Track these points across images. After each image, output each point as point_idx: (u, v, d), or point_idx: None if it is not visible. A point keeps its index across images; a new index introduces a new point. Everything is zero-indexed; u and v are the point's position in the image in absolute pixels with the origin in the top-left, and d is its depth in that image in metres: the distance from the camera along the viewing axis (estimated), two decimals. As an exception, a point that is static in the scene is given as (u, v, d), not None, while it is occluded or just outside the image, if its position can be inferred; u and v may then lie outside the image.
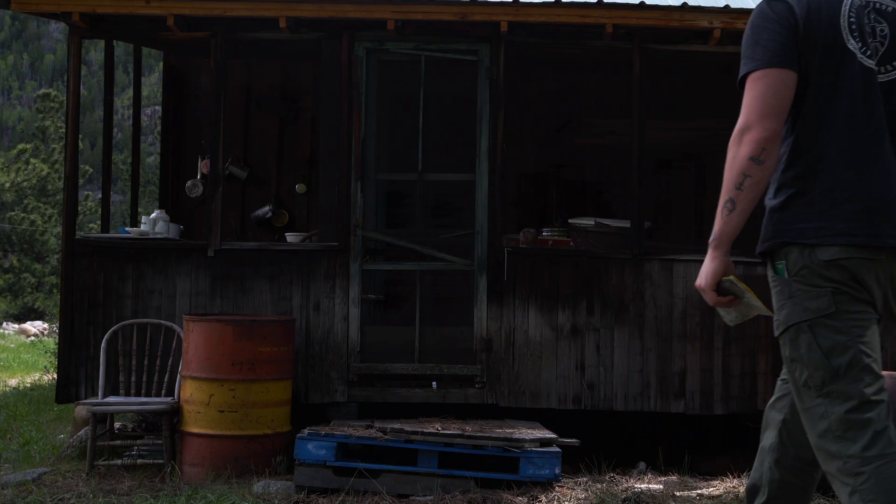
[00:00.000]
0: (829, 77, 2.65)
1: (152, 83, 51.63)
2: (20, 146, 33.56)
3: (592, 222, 7.08)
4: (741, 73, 2.68)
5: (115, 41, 7.36)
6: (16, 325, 26.21)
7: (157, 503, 5.07)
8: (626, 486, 5.63)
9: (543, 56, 7.36)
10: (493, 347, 6.53)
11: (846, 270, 2.59)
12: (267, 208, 8.06)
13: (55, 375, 6.88)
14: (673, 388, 6.59)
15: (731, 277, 2.67)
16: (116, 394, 6.30)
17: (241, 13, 6.52)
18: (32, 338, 22.69)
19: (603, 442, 6.55)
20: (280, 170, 8.28)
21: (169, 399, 6.08)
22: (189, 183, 7.91)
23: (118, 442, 6.18)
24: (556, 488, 5.47)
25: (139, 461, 5.96)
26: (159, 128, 8.65)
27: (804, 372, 2.62)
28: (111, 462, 5.94)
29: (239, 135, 8.18)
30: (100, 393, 6.12)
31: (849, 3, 2.67)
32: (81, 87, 6.70)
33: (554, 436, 5.73)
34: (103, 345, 6.22)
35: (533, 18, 6.50)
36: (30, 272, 30.81)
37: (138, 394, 6.27)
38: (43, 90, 39.11)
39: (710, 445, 7.01)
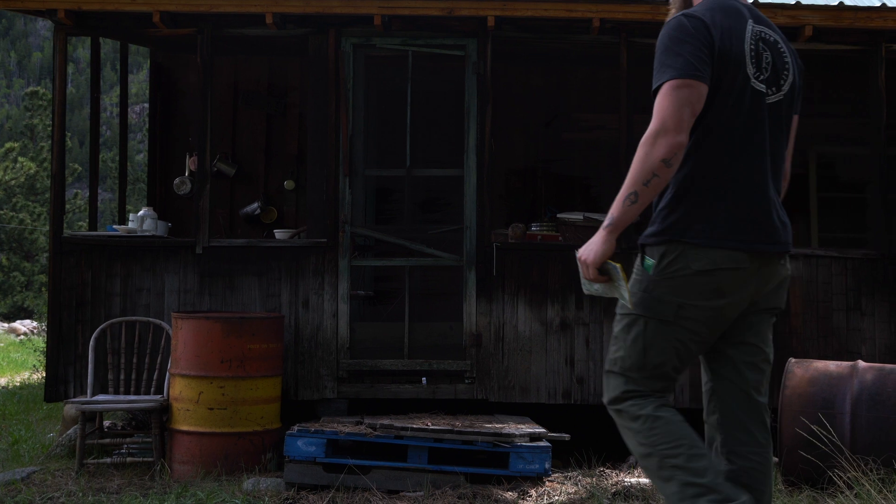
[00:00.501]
0: (732, 96, 2.89)
1: (140, 80, 51.48)
2: (8, 144, 33.44)
3: (581, 217, 7.09)
4: (659, 80, 2.84)
5: (101, 38, 7.33)
6: (5, 324, 26.13)
7: (146, 501, 5.06)
8: (616, 479, 5.64)
9: (531, 51, 7.37)
10: (482, 343, 6.53)
11: (714, 281, 2.86)
12: (255, 205, 8.05)
13: (44, 374, 6.85)
14: (662, 381, 6.59)
15: (619, 266, 2.86)
16: (105, 392, 6.29)
17: (227, 9, 6.49)
18: (22, 337, 22.61)
19: (593, 436, 6.55)
20: (268, 166, 8.26)
21: (158, 397, 6.06)
22: (177, 180, 7.89)
23: (107, 440, 6.17)
24: (546, 483, 5.49)
25: (129, 459, 5.95)
26: (147, 125, 8.61)
27: (620, 351, 2.98)
28: (101, 460, 5.93)
29: (227, 131, 8.17)
30: (89, 391, 6.10)
31: (749, 32, 2.94)
32: (70, 85, 6.68)
33: (543, 430, 5.74)
34: (92, 343, 6.20)
35: (520, 13, 6.50)
36: (19, 271, 30.70)
37: (127, 392, 6.26)
38: (31, 88, 38.94)
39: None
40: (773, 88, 2.96)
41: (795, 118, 3.12)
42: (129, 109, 8.36)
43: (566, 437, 5.82)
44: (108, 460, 5.93)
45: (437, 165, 6.82)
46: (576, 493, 5.30)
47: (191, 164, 7.77)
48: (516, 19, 6.59)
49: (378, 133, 7.64)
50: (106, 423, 6.46)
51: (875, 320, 6.70)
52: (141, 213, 7.02)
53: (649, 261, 2.93)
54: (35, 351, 14.94)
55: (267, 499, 5.13)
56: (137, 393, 6.26)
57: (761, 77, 2.93)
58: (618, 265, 2.85)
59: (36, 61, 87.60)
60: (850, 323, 6.69)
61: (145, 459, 5.93)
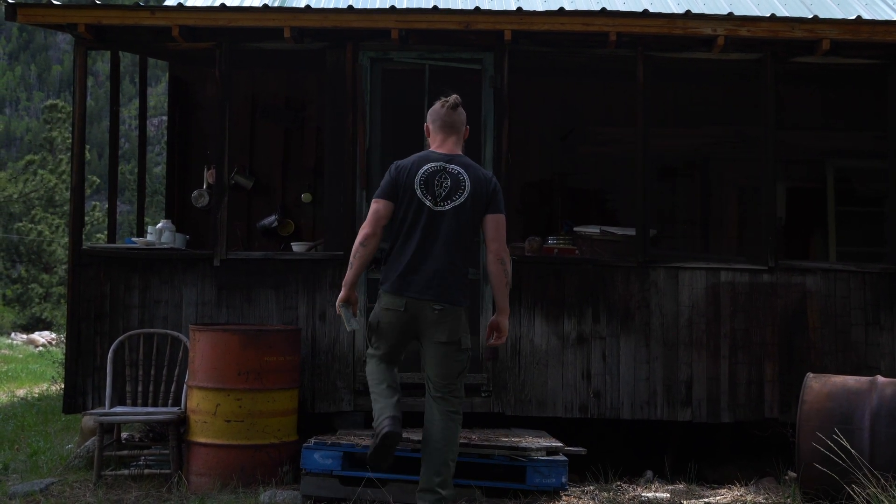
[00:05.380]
0: (402, 207, 4.85)
1: (159, 93, 51.85)
2: (28, 157, 33.71)
3: (598, 230, 7.08)
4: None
5: (120, 52, 7.39)
6: (24, 336, 26.27)
7: (163, 513, 5.07)
8: (632, 494, 5.62)
9: (547, 64, 7.38)
10: (498, 356, 6.52)
11: (386, 312, 4.87)
12: (272, 218, 8.07)
13: (63, 386, 6.89)
14: (679, 396, 6.58)
15: (343, 308, 4.99)
16: (123, 404, 6.32)
17: (245, 23, 6.55)
18: (40, 348, 22.74)
19: (609, 450, 6.54)
20: (285, 179, 8.29)
21: (175, 409, 6.09)
22: (195, 193, 7.93)
23: (125, 452, 6.19)
24: (563, 497, 5.47)
25: (146, 471, 5.97)
26: (166, 138, 8.65)
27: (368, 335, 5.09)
28: (118, 472, 5.95)
29: (244, 144, 8.21)
30: (107, 403, 6.13)
31: (423, 170, 4.86)
32: (88, 98, 6.73)
33: (560, 444, 5.72)
34: (110, 355, 6.23)
35: (536, 27, 6.52)
36: (37, 282, 30.90)
37: (145, 404, 6.28)
38: (50, 101, 39.28)
39: (717, 454, 7.00)
40: (446, 202, 4.81)
41: (491, 217, 4.89)
42: (147, 122, 8.41)
43: (583, 451, 5.80)
44: (126, 472, 5.95)
45: (454, 179, 6.82)
46: (592, 507, 5.28)
47: (209, 176, 7.81)
48: (533, 33, 6.61)
49: (395, 146, 7.65)
50: (124, 434, 6.49)
51: (894, 335, 6.65)
52: (159, 225, 7.06)
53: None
54: (53, 362, 15.01)
55: (283, 511, 5.13)
56: (155, 405, 6.29)
57: (429, 196, 4.80)
58: (347, 308, 4.99)
59: (55, 74, 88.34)
60: (869, 337, 6.65)
61: (162, 471, 5.94)
